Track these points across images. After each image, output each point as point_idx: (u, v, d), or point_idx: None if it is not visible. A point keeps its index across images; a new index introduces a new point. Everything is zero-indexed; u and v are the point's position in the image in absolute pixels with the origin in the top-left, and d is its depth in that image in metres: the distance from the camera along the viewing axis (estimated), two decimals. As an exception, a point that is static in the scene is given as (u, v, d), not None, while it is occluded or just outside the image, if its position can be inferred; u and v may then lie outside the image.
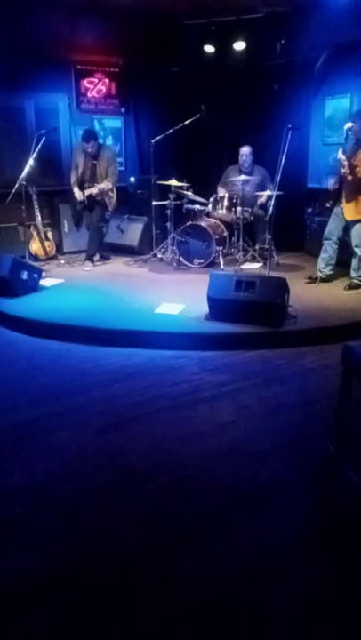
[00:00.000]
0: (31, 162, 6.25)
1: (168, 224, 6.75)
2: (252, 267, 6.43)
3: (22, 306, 5.16)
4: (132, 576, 2.08)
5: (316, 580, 2.07)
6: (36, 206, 6.77)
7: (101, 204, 6.75)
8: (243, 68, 7.31)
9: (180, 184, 6.74)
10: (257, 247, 6.73)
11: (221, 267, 6.43)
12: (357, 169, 5.20)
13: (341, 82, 6.74)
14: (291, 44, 6.87)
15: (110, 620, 1.88)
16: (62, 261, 7.11)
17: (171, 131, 6.87)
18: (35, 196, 6.68)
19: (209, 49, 7.17)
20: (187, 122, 6.88)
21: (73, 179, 6.73)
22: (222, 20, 6.89)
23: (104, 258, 7.20)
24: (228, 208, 6.51)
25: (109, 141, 7.97)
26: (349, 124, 5.16)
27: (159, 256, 7.09)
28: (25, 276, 5.55)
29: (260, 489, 2.61)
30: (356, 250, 5.50)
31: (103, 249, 7.27)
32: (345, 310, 5.01)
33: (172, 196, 6.68)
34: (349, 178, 5.26)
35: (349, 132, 5.17)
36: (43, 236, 7.02)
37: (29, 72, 6.95)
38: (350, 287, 5.59)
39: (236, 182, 6.53)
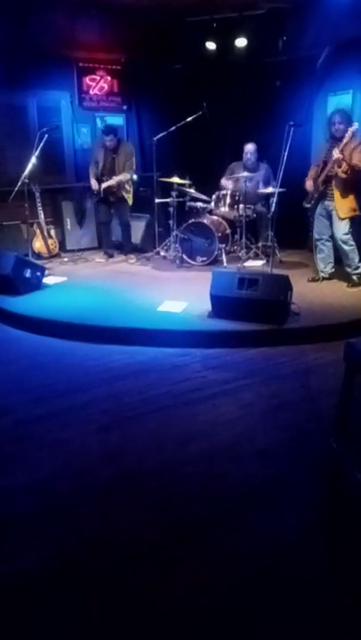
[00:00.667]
0: (34, 160, 6.25)
1: (171, 222, 6.75)
2: (255, 264, 6.42)
3: (25, 304, 5.17)
4: (134, 575, 2.09)
5: (318, 578, 2.07)
6: (39, 204, 6.77)
7: (122, 199, 6.81)
8: (245, 65, 7.29)
9: (182, 181, 6.74)
10: (260, 244, 6.73)
11: (224, 264, 6.43)
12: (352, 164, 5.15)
13: (344, 78, 6.71)
14: (293, 40, 6.86)
15: (112, 620, 1.89)
16: (65, 259, 7.12)
17: (173, 128, 6.86)
18: (37, 194, 6.68)
19: (211, 46, 7.17)
20: (189, 119, 6.87)
21: (92, 173, 6.78)
22: (224, 17, 6.88)
23: (108, 255, 7.20)
24: (231, 205, 6.50)
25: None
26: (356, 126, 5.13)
27: (162, 254, 7.10)
28: (28, 273, 5.56)
29: (263, 486, 2.62)
30: (344, 246, 5.49)
31: (108, 246, 7.27)
32: (348, 307, 5.00)
33: (174, 194, 6.68)
34: (344, 175, 5.21)
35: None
36: (46, 233, 7.03)
37: (31, 70, 6.96)
38: (353, 284, 5.59)
39: (240, 179, 6.52)
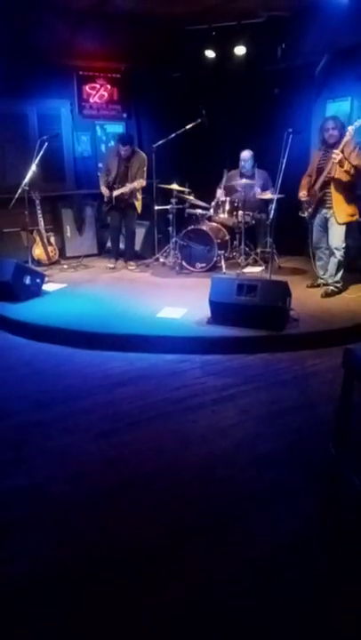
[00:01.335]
0: (34, 167, 6.28)
1: (170, 228, 6.78)
2: (254, 270, 6.44)
3: (25, 310, 5.18)
4: (132, 579, 2.08)
5: (317, 582, 2.07)
6: (39, 211, 6.80)
7: (132, 207, 6.83)
8: (244, 73, 7.33)
9: (181, 188, 6.77)
10: (258, 251, 6.75)
11: (223, 270, 6.44)
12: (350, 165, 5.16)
13: (342, 85, 6.75)
14: (291, 48, 6.89)
15: (110, 623, 1.89)
16: (65, 266, 7.14)
17: (172, 135, 6.90)
18: (37, 202, 6.71)
19: (210, 54, 7.21)
20: (188, 126, 6.91)
21: (102, 181, 6.79)
22: (223, 26, 6.92)
23: (116, 260, 7.20)
24: (230, 212, 6.52)
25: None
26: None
27: (161, 260, 7.12)
28: (28, 280, 5.57)
29: (261, 492, 2.62)
30: (336, 252, 5.48)
31: (117, 252, 7.26)
32: (346, 313, 5.01)
33: (173, 201, 6.71)
34: (347, 177, 5.22)
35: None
36: (45, 240, 7.05)
37: (32, 78, 7.01)
38: (327, 294, 5.55)
39: (238, 187, 6.55)
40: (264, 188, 6.68)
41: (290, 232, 6.24)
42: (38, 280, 5.73)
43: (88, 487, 2.67)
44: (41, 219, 6.87)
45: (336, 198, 5.35)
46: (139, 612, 1.94)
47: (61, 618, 1.92)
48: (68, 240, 7.68)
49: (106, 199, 6.76)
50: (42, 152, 6.35)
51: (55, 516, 2.47)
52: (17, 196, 6.13)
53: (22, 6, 6.23)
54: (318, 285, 5.81)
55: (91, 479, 2.73)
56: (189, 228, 6.66)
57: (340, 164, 5.15)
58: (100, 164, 6.95)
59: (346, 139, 5.14)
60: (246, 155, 6.81)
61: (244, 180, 6.57)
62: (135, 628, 1.88)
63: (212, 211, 6.69)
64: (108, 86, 7.96)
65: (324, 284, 5.74)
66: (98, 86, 7.89)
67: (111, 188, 6.69)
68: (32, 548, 2.26)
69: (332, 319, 4.88)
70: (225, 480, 2.72)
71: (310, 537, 2.32)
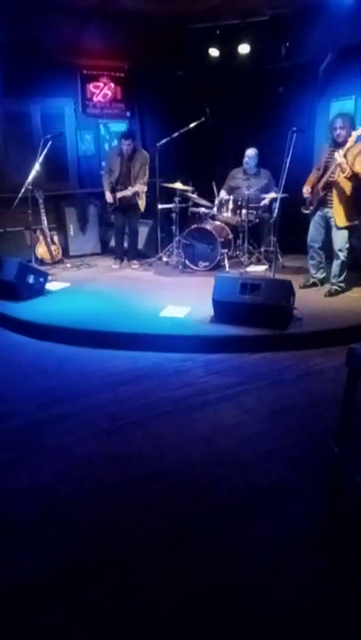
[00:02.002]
0: (37, 166, 6.28)
1: (173, 227, 6.78)
2: (258, 269, 6.43)
3: (28, 309, 5.19)
4: (134, 578, 2.09)
5: (319, 581, 2.06)
6: (43, 210, 6.79)
7: (135, 207, 6.81)
8: (247, 71, 7.32)
9: (185, 187, 6.76)
10: (262, 250, 6.73)
11: (227, 269, 6.44)
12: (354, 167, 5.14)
13: (346, 84, 6.73)
14: (295, 46, 6.87)
15: (112, 622, 1.89)
16: (68, 265, 7.14)
17: (176, 134, 6.89)
18: (41, 201, 6.71)
19: (214, 52, 7.20)
20: (192, 125, 6.89)
21: (106, 182, 6.77)
22: (227, 24, 6.92)
23: (121, 260, 7.19)
24: (234, 211, 6.51)
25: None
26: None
27: (164, 259, 7.11)
28: (31, 279, 5.58)
29: (264, 491, 2.62)
30: (340, 254, 5.45)
31: (121, 252, 7.25)
32: (350, 313, 4.99)
33: (177, 200, 6.70)
34: (347, 183, 5.18)
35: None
36: (49, 240, 7.05)
37: (36, 77, 7.00)
38: (331, 294, 5.53)
39: (241, 185, 6.54)
40: (268, 188, 6.66)
41: (294, 231, 6.22)
42: (42, 279, 5.73)
43: (91, 486, 2.67)
44: (44, 218, 6.86)
45: (336, 201, 5.30)
46: (142, 610, 1.94)
47: (65, 616, 1.92)
48: (71, 239, 7.68)
49: (110, 203, 6.77)
50: (45, 151, 6.35)
51: (59, 514, 2.47)
52: (20, 195, 6.14)
53: (26, 5, 6.24)
54: (312, 285, 5.78)
55: (94, 478, 2.74)
56: (193, 226, 6.64)
57: (342, 168, 5.11)
58: (104, 164, 6.93)
59: (349, 144, 5.10)
60: (251, 153, 6.79)
61: (247, 178, 6.56)
62: (138, 627, 1.88)
63: (215, 209, 6.69)
64: (112, 85, 7.95)
65: (320, 283, 5.72)
66: (101, 85, 7.89)
67: (114, 190, 6.69)
68: (36, 546, 2.26)
69: (335, 318, 4.86)
70: (228, 478, 2.71)
71: (313, 535, 2.32)
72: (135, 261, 7.06)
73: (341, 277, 5.56)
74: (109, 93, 7.96)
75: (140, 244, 7.37)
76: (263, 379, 3.90)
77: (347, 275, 5.62)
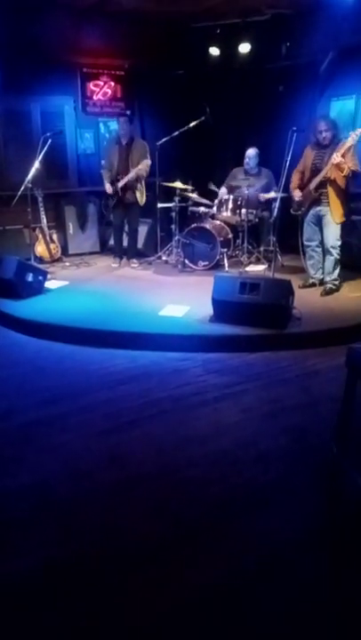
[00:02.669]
0: (37, 164, 6.27)
1: (173, 226, 6.77)
2: (257, 269, 6.43)
3: (27, 308, 5.18)
4: (132, 577, 2.08)
5: (318, 581, 2.06)
6: (42, 209, 6.78)
7: (134, 204, 6.77)
8: (248, 71, 7.32)
9: (184, 186, 6.76)
10: (262, 249, 6.73)
11: (226, 269, 6.43)
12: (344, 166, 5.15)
13: (347, 83, 6.73)
14: (296, 46, 6.88)
15: (110, 622, 1.89)
16: (67, 263, 7.14)
17: (176, 133, 6.88)
18: (40, 199, 6.70)
19: (214, 51, 7.20)
20: (192, 124, 6.89)
21: (105, 177, 6.73)
22: (228, 23, 6.92)
23: (120, 259, 7.18)
24: (233, 210, 6.51)
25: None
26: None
27: (164, 258, 7.11)
28: (30, 278, 5.57)
29: (263, 490, 2.61)
30: (333, 251, 5.47)
31: (120, 251, 7.22)
32: (349, 312, 4.99)
33: (176, 199, 6.70)
34: (341, 178, 5.18)
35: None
36: (48, 238, 7.05)
37: (36, 75, 6.99)
38: (327, 292, 5.54)
39: (242, 184, 6.53)
40: (268, 187, 6.66)
41: (293, 230, 6.21)
42: (40, 277, 5.73)
43: (90, 485, 2.67)
44: (44, 216, 6.86)
45: (333, 198, 5.33)
46: (141, 610, 1.94)
47: (64, 615, 1.91)
48: (70, 237, 7.67)
49: (111, 195, 6.71)
50: (45, 149, 6.34)
51: (58, 513, 2.47)
52: (20, 193, 6.14)
53: (26, 3, 6.24)
54: (311, 285, 5.78)
55: (93, 477, 2.73)
56: (192, 225, 6.64)
57: (340, 168, 5.13)
58: (103, 161, 6.91)
59: (349, 144, 5.10)
60: (251, 152, 6.79)
61: (248, 178, 6.55)
62: (137, 627, 1.87)
63: (215, 209, 6.68)
64: (112, 83, 7.94)
65: (320, 284, 5.72)
66: (101, 83, 7.87)
67: (114, 182, 6.66)
68: (35, 545, 2.26)
69: (334, 318, 4.87)
70: (226, 478, 2.71)
71: (312, 535, 2.31)
72: (134, 260, 7.05)
73: (335, 274, 5.57)
74: (109, 92, 7.95)
75: (140, 242, 7.37)
76: (262, 378, 3.90)
77: (341, 272, 5.63)
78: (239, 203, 6.46)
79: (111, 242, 7.51)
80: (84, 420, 3.29)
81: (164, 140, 6.86)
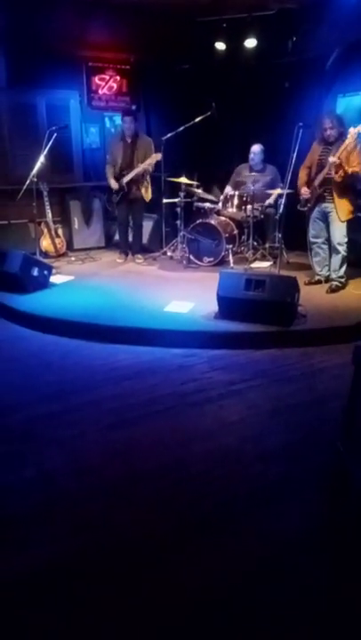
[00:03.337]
0: (42, 159, 6.27)
1: (178, 222, 6.75)
2: (263, 265, 6.42)
3: (32, 302, 5.18)
4: (138, 573, 2.09)
5: (322, 580, 2.06)
6: (47, 203, 6.78)
7: (139, 200, 6.74)
8: (254, 66, 7.28)
9: (190, 182, 6.74)
10: (267, 246, 6.72)
11: (231, 265, 6.42)
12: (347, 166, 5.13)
13: (354, 79, 6.69)
14: (302, 41, 6.83)
15: (113, 619, 1.89)
16: (72, 258, 7.13)
17: (181, 128, 6.85)
18: (45, 193, 6.69)
19: (220, 46, 7.16)
20: (197, 119, 6.86)
21: (109, 173, 6.70)
22: (234, 18, 6.87)
23: (125, 254, 7.18)
24: (239, 206, 6.49)
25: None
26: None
27: (169, 254, 7.10)
28: (35, 272, 5.57)
29: (267, 488, 2.62)
30: (340, 248, 5.45)
31: (126, 246, 7.21)
32: (355, 310, 4.98)
33: (182, 194, 6.68)
34: (338, 179, 5.18)
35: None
36: (53, 232, 7.05)
37: (41, 69, 6.97)
38: (332, 290, 5.52)
39: (247, 180, 6.51)
40: (274, 183, 6.64)
41: (299, 227, 6.19)
42: (46, 272, 5.73)
43: (94, 480, 2.67)
44: (49, 210, 6.86)
45: (337, 196, 5.31)
46: (143, 608, 1.94)
47: (68, 609, 1.92)
48: (75, 232, 7.67)
49: (115, 190, 6.69)
50: (50, 143, 6.33)
51: (62, 508, 2.47)
52: (25, 187, 6.13)
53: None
54: (317, 282, 5.77)
55: (97, 472, 2.74)
56: (197, 221, 6.63)
57: (336, 169, 5.12)
58: (108, 157, 6.90)
59: (347, 141, 5.08)
60: (256, 148, 6.77)
61: (253, 174, 6.53)
62: (139, 625, 1.88)
63: (220, 204, 6.67)
64: (118, 78, 7.92)
65: (325, 281, 5.71)
66: (107, 77, 7.85)
67: (119, 177, 6.63)
68: (40, 540, 2.26)
69: (340, 315, 4.85)
70: (231, 475, 2.71)
71: (317, 534, 2.32)
72: (139, 256, 7.05)
73: (341, 272, 5.56)
74: (115, 86, 7.93)
75: (145, 238, 7.36)
76: (267, 375, 3.90)
77: (347, 269, 5.62)
78: (245, 199, 6.44)
79: (116, 237, 7.51)
80: (89, 416, 3.29)
81: (169, 135, 6.83)
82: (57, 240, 7.12)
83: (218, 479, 2.68)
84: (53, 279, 5.87)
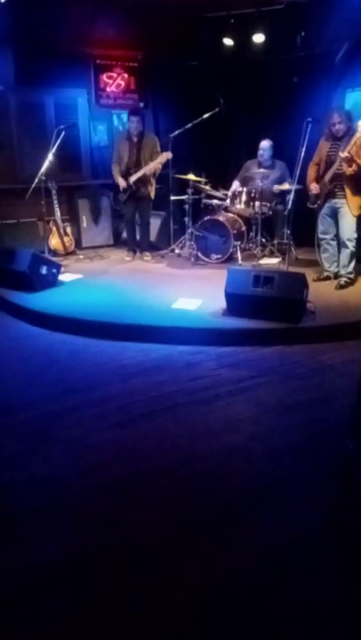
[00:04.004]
0: (50, 157, 6.28)
1: (186, 219, 6.73)
2: (271, 262, 6.38)
3: (41, 300, 5.20)
4: (144, 571, 2.08)
5: (329, 578, 2.05)
6: (55, 201, 6.79)
7: (146, 197, 6.74)
8: (262, 61, 7.23)
9: (198, 179, 6.72)
10: (275, 242, 6.67)
11: (239, 262, 6.39)
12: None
13: (363, 74, 6.63)
14: (311, 36, 6.78)
15: (118, 616, 1.89)
16: (81, 256, 7.14)
17: (189, 125, 6.83)
18: (54, 192, 6.70)
19: (228, 42, 7.12)
20: (205, 116, 6.83)
21: (115, 171, 6.69)
22: (241, 13, 6.83)
23: (134, 252, 7.17)
24: (247, 203, 6.46)
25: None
26: None
27: (177, 251, 7.08)
28: (44, 270, 5.58)
29: (275, 486, 2.60)
30: (349, 244, 5.41)
31: (133, 244, 7.19)
32: (365, 306, 4.94)
33: (190, 191, 6.65)
34: (351, 172, 5.11)
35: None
36: (62, 231, 7.05)
37: (49, 68, 6.97)
38: (341, 286, 5.48)
39: (256, 176, 6.48)
40: (282, 180, 6.59)
41: (308, 223, 6.15)
42: (54, 270, 5.74)
43: (102, 477, 2.68)
44: (57, 209, 6.87)
45: (349, 191, 5.26)
46: (148, 605, 1.94)
47: (74, 606, 1.92)
48: (84, 230, 7.68)
49: (122, 189, 6.69)
50: (58, 142, 6.34)
51: (70, 505, 2.48)
52: (33, 185, 6.14)
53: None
54: (325, 278, 5.72)
55: (105, 469, 2.74)
56: (205, 218, 6.61)
57: (349, 163, 5.07)
58: (114, 155, 6.89)
59: (358, 135, 5.03)
60: (265, 144, 6.72)
61: (262, 170, 6.50)
62: (146, 620, 1.88)
63: (228, 201, 6.64)
64: (125, 75, 7.90)
65: (334, 277, 5.67)
66: (115, 75, 7.84)
67: (126, 176, 6.63)
68: (47, 537, 2.27)
69: (349, 312, 4.82)
70: (239, 473, 2.70)
71: (324, 532, 2.30)
72: (147, 253, 7.03)
73: (350, 268, 5.52)
74: (123, 84, 7.92)
75: (153, 235, 7.35)
76: (275, 372, 3.88)
77: (356, 265, 5.57)
78: (253, 195, 6.41)
79: (124, 235, 7.50)
80: (97, 413, 3.29)
81: (177, 132, 6.81)
82: (65, 238, 7.13)
83: (224, 477, 2.67)
84: (62, 277, 5.89)
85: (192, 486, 2.60)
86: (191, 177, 6.64)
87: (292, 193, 5.47)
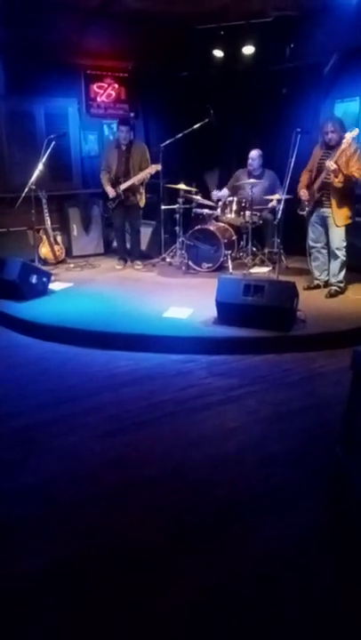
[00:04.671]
0: (41, 166, 6.28)
1: (177, 228, 6.76)
2: (261, 271, 6.40)
3: (31, 309, 5.18)
4: (135, 580, 2.07)
5: (321, 584, 2.04)
6: (46, 210, 6.79)
7: (135, 206, 6.77)
8: (252, 72, 7.31)
9: (188, 188, 6.75)
10: (266, 251, 6.71)
11: (230, 271, 6.42)
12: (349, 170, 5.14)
13: (351, 85, 6.71)
14: (300, 47, 6.87)
15: (113, 625, 1.87)
16: (71, 265, 7.13)
17: (180, 135, 6.87)
18: (44, 201, 6.70)
19: (218, 53, 7.19)
20: (196, 126, 6.88)
21: (104, 180, 6.71)
22: (231, 25, 6.91)
23: (124, 260, 7.18)
24: (237, 212, 6.49)
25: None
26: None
27: (168, 260, 7.10)
28: (34, 279, 5.57)
29: (267, 494, 2.60)
30: (338, 252, 5.45)
31: (123, 252, 7.20)
32: (353, 314, 4.97)
33: (180, 200, 6.69)
34: (340, 185, 5.18)
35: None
36: (52, 240, 7.05)
37: (39, 77, 7.01)
38: (331, 295, 5.51)
39: (246, 186, 6.53)
40: (272, 188, 6.65)
41: (298, 232, 6.19)
42: (45, 279, 5.72)
43: (93, 487, 2.66)
44: (48, 218, 6.86)
45: (335, 201, 5.31)
46: (141, 612, 1.92)
47: (65, 615, 1.90)
48: (74, 239, 7.67)
49: (111, 197, 6.71)
50: (49, 151, 6.35)
51: (60, 515, 2.46)
52: (24, 194, 6.13)
53: (30, 5, 6.24)
54: (315, 287, 5.75)
55: (95, 479, 2.72)
56: (196, 227, 6.63)
57: (335, 174, 5.13)
58: (103, 163, 6.91)
59: (343, 147, 5.09)
60: (255, 154, 6.78)
61: (251, 180, 6.54)
62: (140, 627, 1.86)
63: (219, 210, 6.67)
64: (116, 85, 7.95)
65: (324, 286, 5.70)
66: (105, 85, 7.89)
67: (115, 184, 6.65)
68: (37, 547, 2.25)
69: (339, 320, 4.84)
70: (230, 482, 2.69)
71: (316, 540, 2.29)
72: (138, 262, 7.04)
73: (340, 276, 5.55)
74: (113, 94, 7.97)
75: (144, 244, 7.36)
76: (266, 381, 3.88)
77: (346, 274, 5.61)
78: (243, 204, 6.44)
79: (115, 243, 7.51)
80: (88, 423, 3.28)
81: (168, 141, 6.85)
82: (56, 247, 7.12)
83: (217, 485, 2.66)
84: (52, 286, 5.87)
85: (184, 495, 2.59)
86: (182, 186, 6.67)
87: (282, 202, 5.51)
